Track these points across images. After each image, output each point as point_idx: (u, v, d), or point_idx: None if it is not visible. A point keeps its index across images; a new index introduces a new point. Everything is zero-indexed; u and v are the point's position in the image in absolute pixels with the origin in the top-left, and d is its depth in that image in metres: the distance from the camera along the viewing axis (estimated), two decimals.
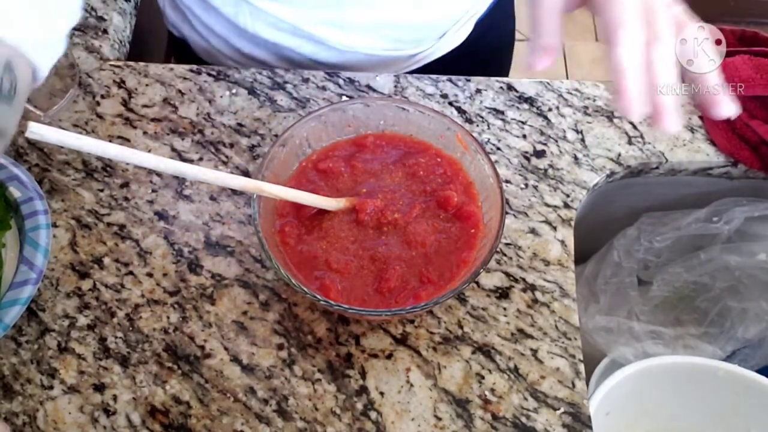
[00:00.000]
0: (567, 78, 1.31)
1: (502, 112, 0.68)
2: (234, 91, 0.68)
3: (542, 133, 0.67)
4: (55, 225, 0.60)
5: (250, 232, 0.60)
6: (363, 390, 0.54)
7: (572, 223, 0.62)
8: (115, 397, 0.53)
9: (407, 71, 0.77)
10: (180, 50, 0.83)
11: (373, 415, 0.53)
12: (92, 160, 0.64)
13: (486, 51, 0.83)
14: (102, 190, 0.62)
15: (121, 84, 0.68)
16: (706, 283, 0.72)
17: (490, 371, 0.55)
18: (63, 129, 0.41)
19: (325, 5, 0.67)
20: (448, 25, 0.75)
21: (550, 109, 0.68)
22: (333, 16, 0.68)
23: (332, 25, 0.69)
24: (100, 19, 0.72)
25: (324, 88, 0.68)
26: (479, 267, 0.50)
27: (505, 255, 0.60)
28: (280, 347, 0.56)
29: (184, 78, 0.69)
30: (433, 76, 0.70)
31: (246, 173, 0.64)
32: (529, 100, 0.69)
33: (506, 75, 0.93)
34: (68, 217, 0.61)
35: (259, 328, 0.56)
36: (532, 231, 0.61)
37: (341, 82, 0.69)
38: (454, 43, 0.78)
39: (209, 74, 0.69)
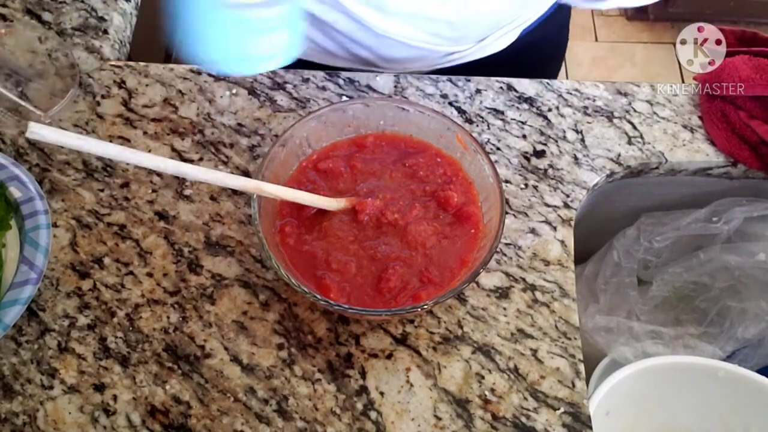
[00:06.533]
0: (567, 78, 1.31)
1: (502, 112, 0.68)
2: (234, 91, 0.68)
3: (542, 133, 0.67)
4: (55, 225, 0.60)
5: (250, 232, 0.60)
6: (363, 390, 0.54)
7: (572, 223, 0.62)
8: (115, 397, 0.53)
9: (440, 68, 0.75)
10: None
11: (373, 415, 0.53)
12: (92, 160, 0.64)
13: (531, 61, 0.79)
14: (102, 190, 0.62)
15: (121, 84, 0.68)
16: (705, 283, 0.72)
17: (490, 371, 0.55)
18: (63, 129, 0.41)
19: None
20: (490, 29, 0.72)
21: (549, 109, 0.68)
22: None
23: (372, 6, 0.66)
24: (101, 19, 0.72)
25: (324, 88, 0.68)
26: (479, 267, 0.50)
27: (505, 255, 0.60)
28: (280, 347, 0.56)
29: (185, 78, 0.69)
30: (433, 76, 0.70)
31: (246, 173, 0.64)
32: (529, 100, 0.69)
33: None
34: (68, 217, 0.61)
35: (259, 328, 0.56)
36: (532, 231, 0.61)
37: (341, 82, 0.69)
38: (495, 48, 0.75)
39: (209, 74, 0.69)
